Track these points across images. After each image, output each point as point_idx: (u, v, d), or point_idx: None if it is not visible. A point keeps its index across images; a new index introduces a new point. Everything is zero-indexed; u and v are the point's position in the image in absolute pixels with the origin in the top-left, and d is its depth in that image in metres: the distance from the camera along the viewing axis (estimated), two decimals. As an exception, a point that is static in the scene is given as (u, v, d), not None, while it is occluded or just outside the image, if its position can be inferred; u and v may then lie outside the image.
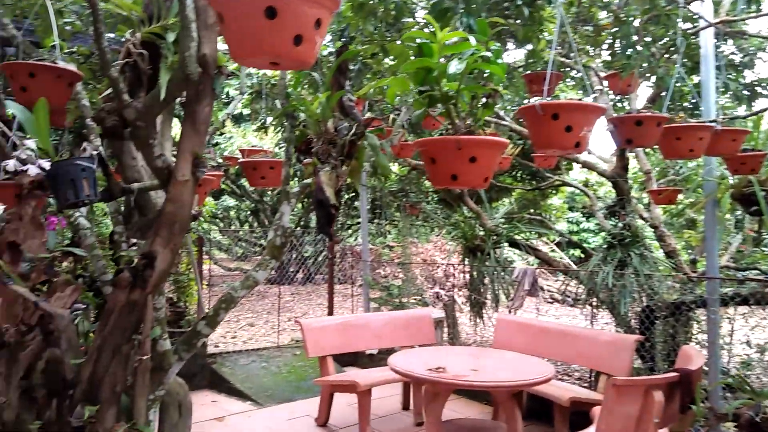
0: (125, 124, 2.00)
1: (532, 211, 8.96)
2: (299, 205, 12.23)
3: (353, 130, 2.47)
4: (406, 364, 4.33)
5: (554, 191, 10.43)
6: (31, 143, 1.72)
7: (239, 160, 4.17)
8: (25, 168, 1.68)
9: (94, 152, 1.90)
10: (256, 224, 15.52)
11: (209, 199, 11.01)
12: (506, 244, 6.39)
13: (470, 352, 4.99)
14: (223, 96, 9.74)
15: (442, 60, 1.72)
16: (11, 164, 1.71)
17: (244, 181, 13.73)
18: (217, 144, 12.08)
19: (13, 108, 1.88)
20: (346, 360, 7.07)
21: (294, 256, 12.25)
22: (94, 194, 1.87)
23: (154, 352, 2.28)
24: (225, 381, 6.42)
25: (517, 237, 6.49)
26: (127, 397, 2.20)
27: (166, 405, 2.71)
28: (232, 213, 16.66)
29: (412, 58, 1.95)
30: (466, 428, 4.43)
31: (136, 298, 2.03)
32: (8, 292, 2.34)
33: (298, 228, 12.45)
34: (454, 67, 1.68)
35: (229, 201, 15.69)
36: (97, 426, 2.01)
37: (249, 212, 16.07)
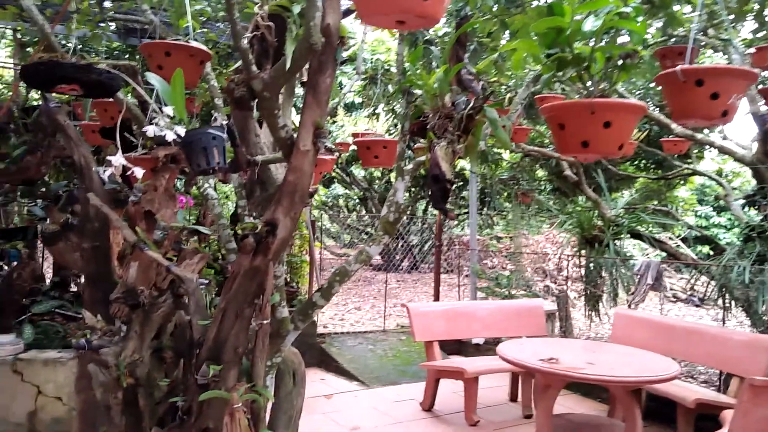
0: (252, 95, 2.06)
1: (655, 203, 8.36)
2: (405, 194, 12.29)
3: (471, 104, 2.40)
4: (516, 353, 4.20)
5: (682, 182, 9.67)
6: (168, 110, 1.82)
7: (354, 141, 4.21)
8: (163, 134, 1.78)
9: (224, 122, 1.98)
10: (363, 212, 15.82)
11: (320, 187, 11.32)
12: (627, 236, 6.01)
13: (584, 346, 4.75)
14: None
15: (575, 18, 1.60)
16: (151, 130, 1.82)
17: (353, 169, 14.01)
18: (329, 132, 12.42)
19: (152, 79, 2.00)
20: (452, 348, 7.02)
21: (400, 244, 12.36)
22: (223, 162, 1.95)
23: (273, 318, 2.36)
24: (333, 360, 6.60)
25: (640, 228, 6.08)
26: (247, 360, 2.29)
27: (282, 373, 2.80)
28: (341, 201, 17.08)
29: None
30: (580, 424, 4.23)
31: (259, 264, 2.10)
32: (144, 258, 2.51)
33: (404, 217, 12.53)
34: (590, 24, 1.56)
35: (339, 189, 16.11)
36: (220, 384, 2.10)
37: (357, 200, 16.41)
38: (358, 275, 12.35)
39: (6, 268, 5.08)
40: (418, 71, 3.15)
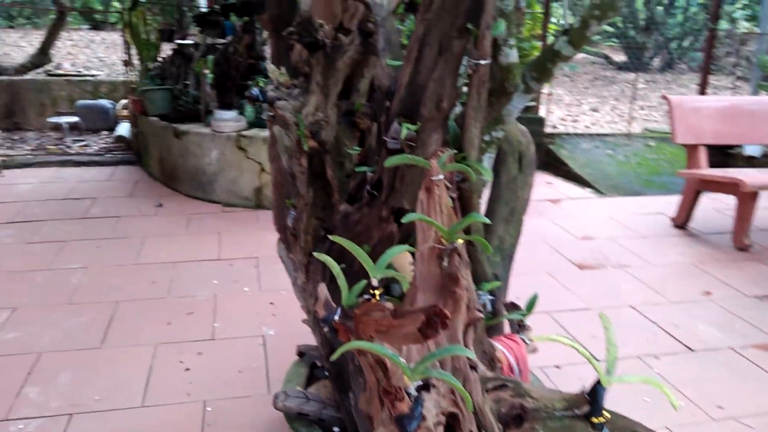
0: None
1: None
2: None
3: None
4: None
5: None
6: None
7: None
8: None
9: None
10: None
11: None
12: None
13: None
14: None
15: None
16: None
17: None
18: None
19: None
20: (715, 161, 5.65)
21: (652, 37, 10.24)
22: None
23: (495, 64, 1.60)
24: (562, 164, 5.78)
25: None
26: (455, 126, 1.62)
27: (504, 154, 2.10)
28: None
29: None
30: None
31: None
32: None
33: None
34: None
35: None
36: (417, 150, 1.48)
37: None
38: (595, 73, 10.72)
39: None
40: None
